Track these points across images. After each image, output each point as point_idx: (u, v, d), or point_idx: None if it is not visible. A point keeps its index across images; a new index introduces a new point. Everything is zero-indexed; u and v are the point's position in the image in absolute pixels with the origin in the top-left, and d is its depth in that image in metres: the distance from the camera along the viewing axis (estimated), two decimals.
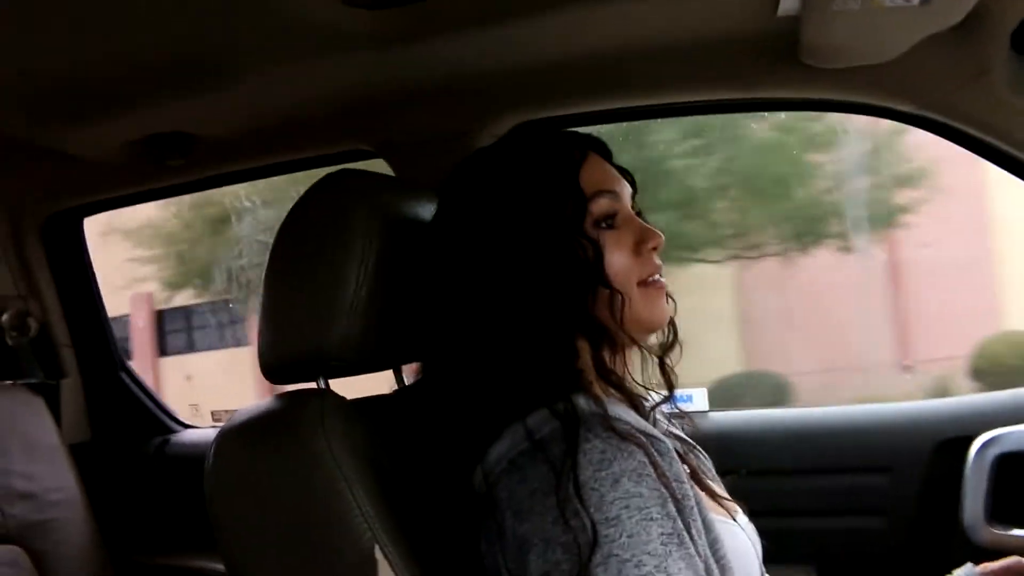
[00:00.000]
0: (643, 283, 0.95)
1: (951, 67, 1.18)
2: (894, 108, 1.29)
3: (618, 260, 0.93)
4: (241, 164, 1.75)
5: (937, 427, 1.59)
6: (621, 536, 0.75)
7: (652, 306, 0.96)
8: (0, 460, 1.79)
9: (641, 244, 0.95)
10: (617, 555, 0.75)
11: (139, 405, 2.23)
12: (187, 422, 2.25)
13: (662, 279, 0.97)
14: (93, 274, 2.20)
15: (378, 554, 0.85)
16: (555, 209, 0.91)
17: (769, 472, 1.65)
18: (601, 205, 0.94)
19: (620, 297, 0.91)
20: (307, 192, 1.03)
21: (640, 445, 0.81)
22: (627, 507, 0.76)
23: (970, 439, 1.44)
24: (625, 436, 0.81)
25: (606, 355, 0.93)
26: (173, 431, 2.20)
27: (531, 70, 1.29)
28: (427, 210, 1.06)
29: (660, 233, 0.97)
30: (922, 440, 1.59)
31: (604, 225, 0.94)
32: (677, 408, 1.12)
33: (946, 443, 1.55)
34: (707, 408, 1.73)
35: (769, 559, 1.09)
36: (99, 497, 1.95)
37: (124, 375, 2.24)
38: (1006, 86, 1.17)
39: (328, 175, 1.04)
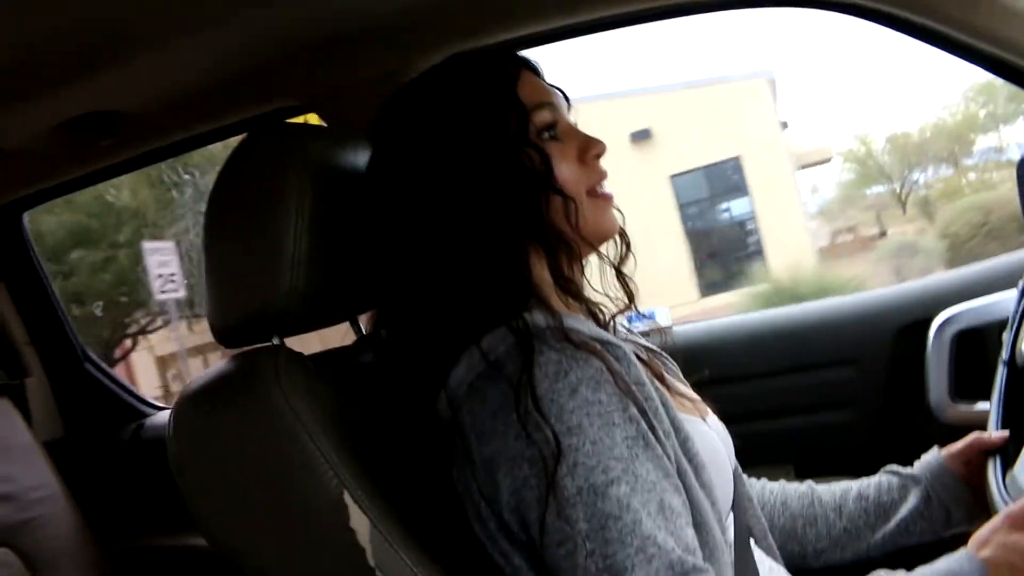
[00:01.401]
0: (592, 193, 0.96)
1: None
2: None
3: (566, 168, 0.94)
4: (173, 136, 1.71)
5: (897, 313, 1.62)
6: (585, 444, 0.76)
7: (602, 215, 0.97)
8: None
9: (585, 152, 0.96)
10: (583, 463, 0.75)
11: (108, 394, 2.21)
12: (159, 404, 2.23)
13: (609, 191, 0.98)
14: (42, 268, 2.16)
15: (347, 498, 0.85)
16: (498, 122, 0.91)
17: (738, 378, 1.67)
18: (542, 116, 0.95)
19: (572, 203, 0.91)
20: (234, 151, 1.01)
21: (595, 352, 0.81)
22: (588, 414, 0.77)
23: (930, 321, 1.47)
24: (580, 345, 0.81)
25: (564, 264, 0.94)
26: (146, 415, 2.19)
27: (448, 2, 1.26)
28: (359, 155, 1.04)
29: (602, 141, 0.97)
30: (884, 327, 1.61)
31: (547, 136, 0.95)
32: (640, 319, 1.12)
33: (907, 327, 1.58)
34: (670, 324, 1.75)
35: (750, 462, 1.11)
36: (81, 490, 1.94)
37: (89, 366, 2.22)
38: None
39: (252, 132, 1.02)
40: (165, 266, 8.22)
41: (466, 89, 0.94)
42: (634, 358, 0.86)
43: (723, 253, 15.43)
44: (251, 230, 0.96)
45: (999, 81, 1.56)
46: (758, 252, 14.81)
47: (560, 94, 1.02)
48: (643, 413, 0.81)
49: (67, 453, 2.03)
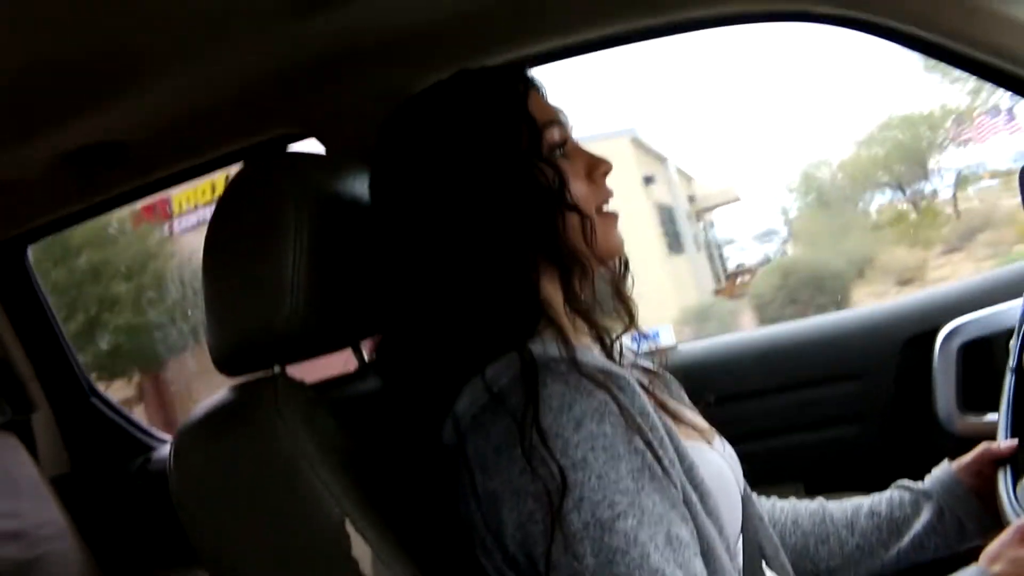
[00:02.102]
0: (600, 211, 0.95)
1: None
2: (812, 11, 1.27)
3: (578, 186, 0.93)
4: (176, 166, 1.71)
5: (902, 325, 1.61)
6: (590, 478, 0.75)
7: (610, 233, 0.96)
8: None
9: (593, 170, 0.96)
10: (589, 497, 0.74)
11: (114, 428, 2.20)
12: (165, 436, 2.22)
13: (615, 210, 0.98)
14: (46, 301, 2.16)
15: (349, 528, 0.84)
16: (511, 138, 0.90)
17: (745, 395, 1.66)
18: (554, 133, 0.94)
19: (588, 220, 0.91)
20: (232, 180, 1.01)
21: (599, 384, 0.80)
22: (593, 448, 0.76)
23: (935, 332, 1.46)
24: (583, 376, 0.80)
25: (576, 283, 0.92)
26: (153, 448, 2.18)
27: (449, 21, 1.27)
28: (359, 180, 1.04)
29: (608, 160, 0.97)
30: (889, 341, 1.60)
31: (559, 154, 0.94)
32: (643, 340, 1.12)
33: (913, 340, 1.57)
34: (674, 343, 1.74)
35: (759, 481, 1.10)
36: (88, 525, 1.93)
37: (95, 400, 2.21)
38: None
39: (250, 160, 1.02)
40: None
41: (477, 104, 0.93)
42: (638, 387, 0.85)
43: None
44: (250, 257, 0.95)
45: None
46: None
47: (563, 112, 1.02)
48: (648, 444, 0.79)
49: (74, 488, 2.02)
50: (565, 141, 0.96)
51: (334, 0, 1.16)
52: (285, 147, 1.62)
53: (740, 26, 1.40)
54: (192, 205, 9.37)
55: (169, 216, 9.58)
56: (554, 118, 0.96)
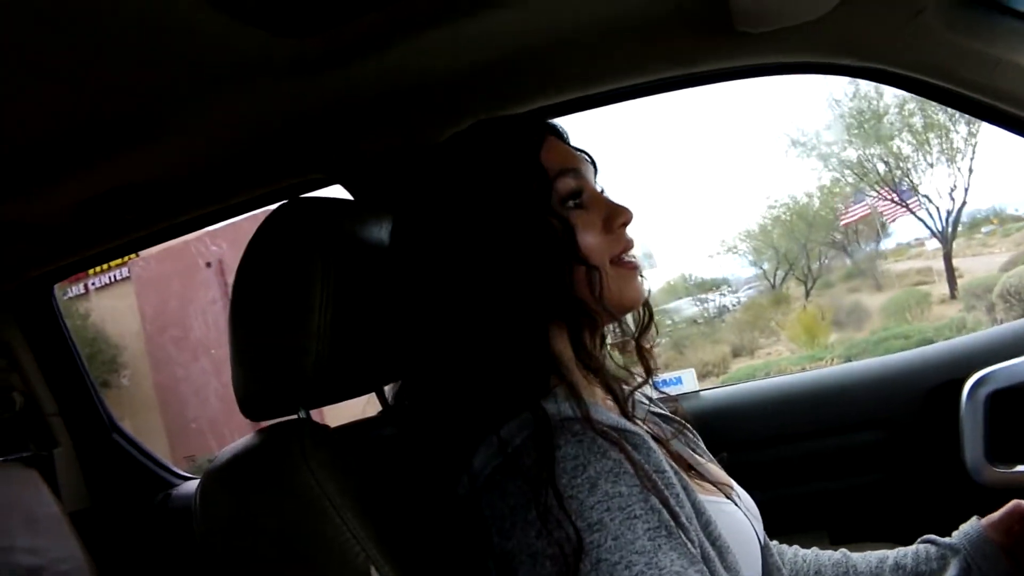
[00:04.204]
0: (616, 261, 0.94)
1: (885, 12, 1.18)
2: (836, 63, 1.29)
3: (590, 237, 0.92)
4: (201, 208, 1.74)
5: (927, 374, 1.60)
6: (607, 540, 0.74)
7: (627, 285, 0.95)
8: (3, 539, 1.77)
9: (611, 221, 0.95)
10: (606, 559, 0.73)
11: (136, 464, 2.21)
12: (185, 473, 2.23)
13: (635, 259, 0.96)
14: (70, 337, 2.19)
15: (374, 573, 0.84)
16: (521, 191, 0.91)
17: (768, 442, 1.65)
18: (566, 183, 0.94)
19: (597, 273, 0.90)
20: (260, 227, 1.02)
21: (613, 442, 0.80)
22: (608, 509, 0.75)
23: (961, 381, 1.44)
24: (597, 435, 0.80)
25: (587, 337, 0.92)
26: (174, 485, 2.18)
27: (471, 74, 1.28)
28: (383, 227, 1.05)
29: (629, 209, 0.96)
30: (915, 389, 1.59)
31: (572, 204, 0.94)
32: (662, 392, 1.11)
33: (938, 388, 1.55)
34: (697, 388, 1.73)
35: (783, 529, 1.09)
36: (108, 561, 1.93)
37: (117, 436, 2.22)
38: (943, 23, 1.16)
39: (279, 207, 1.03)
40: None
41: (489, 155, 0.94)
42: (653, 444, 0.85)
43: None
44: (277, 302, 0.97)
45: None
46: None
47: (588, 159, 1.02)
48: (664, 502, 0.79)
49: (94, 524, 2.03)
50: (581, 190, 0.95)
51: (350, 56, 1.18)
52: (309, 191, 1.63)
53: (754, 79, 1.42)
54: (105, 267, 9.69)
55: (84, 275, 9.88)
56: (569, 166, 0.95)
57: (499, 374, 0.86)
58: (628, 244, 0.96)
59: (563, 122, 1.06)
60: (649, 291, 1.00)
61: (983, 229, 11.03)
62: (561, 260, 0.90)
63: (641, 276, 0.97)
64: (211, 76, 1.15)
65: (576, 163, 0.97)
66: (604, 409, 0.90)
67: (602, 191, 1.00)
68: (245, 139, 1.40)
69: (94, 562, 1.88)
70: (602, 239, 0.94)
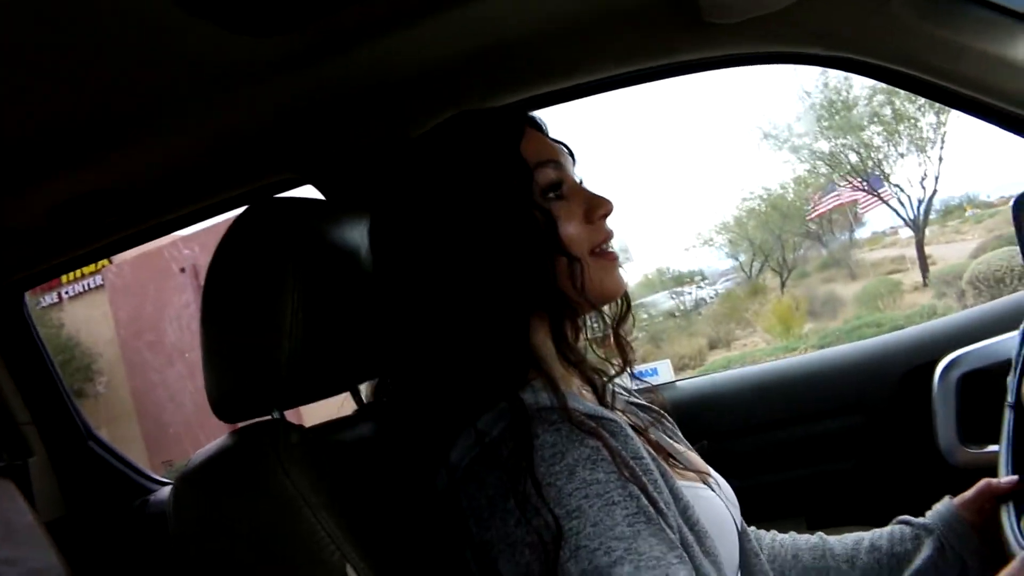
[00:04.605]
0: (597, 252, 0.94)
1: (852, 1, 1.19)
2: (805, 52, 1.30)
3: (571, 228, 0.92)
4: (173, 212, 1.72)
5: (900, 358, 1.61)
6: (586, 526, 0.74)
7: (607, 276, 0.95)
8: None
9: (591, 212, 0.95)
10: (585, 546, 0.73)
11: (112, 471, 2.19)
12: (163, 479, 2.21)
13: (614, 250, 0.96)
14: (43, 345, 2.16)
15: (350, 572, 0.84)
16: (502, 182, 0.90)
17: (744, 431, 1.66)
18: (547, 175, 0.94)
19: (579, 264, 0.90)
20: (230, 227, 1.01)
21: (591, 431, 0.80)
22: (587, 496, 0.75)
23: (934, 364, 1.46)
24: (574, 424, 0.80)
25: (567, 328, 0.92)
26: (151, 491, 2.17)
27: (442, 70, 1.28)
28: (355, 226, 1.05)
29: (609, 200, 0.96)
30: (888, 373, 1.61)
31: (552, 195, 0.94)
32: (641, 381, 1.12)
33: (911, 372, 1.57)
34: (673, 378, 1.74)
35: (761, 516, 1.10)
36: (85, 569, 1.91)
37: (92, 444, 2.20)
38: (910, 11, 1.17)
39: (248, 207, 1.03)
40: None
41: (469, 147, 0.93)
42: (630, 431, 0.85)
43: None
44: (248, 303, 0.96)
45: None
46: None
47: (566, 151, 1.02)
48: (643, 488, 0.79)
49: (70, 532, 2.00)
50: (561, 182, 0.95)
51: (319, 55, 1.17)
52: (282, 192, 1.62)
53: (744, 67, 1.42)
54: (79, 274, 9.73)
55: (58, 284, 9.89)
56: (549, 158, 0.95)
57: (479, 366, 0.86)
58: (608, 235, 0.96)
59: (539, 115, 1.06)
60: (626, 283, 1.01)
61: (968, 212, 11.15)
62: (543, 252, 0.90)
63: (621, 267, 0.97)
64: (181, 80, 1.14)
65: (555, 154, 0.97)
66: (581, 398, 0.90)
67: (581, 182, 1.00)
68: (217, 142, 1.39)
69: (72, 570, 1.87)
70: (583, 230, 0.94)
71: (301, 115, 1.33)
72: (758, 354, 8.63)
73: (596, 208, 0.95)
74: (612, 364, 1.02)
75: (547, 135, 1.01)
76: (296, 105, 1.29)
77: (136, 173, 1.48)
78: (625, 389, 1.12)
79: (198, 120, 1.30)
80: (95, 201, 1.54)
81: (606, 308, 1.02)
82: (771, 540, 1.18)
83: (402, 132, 1.38)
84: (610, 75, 1.43)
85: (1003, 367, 1.20)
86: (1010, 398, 1.12)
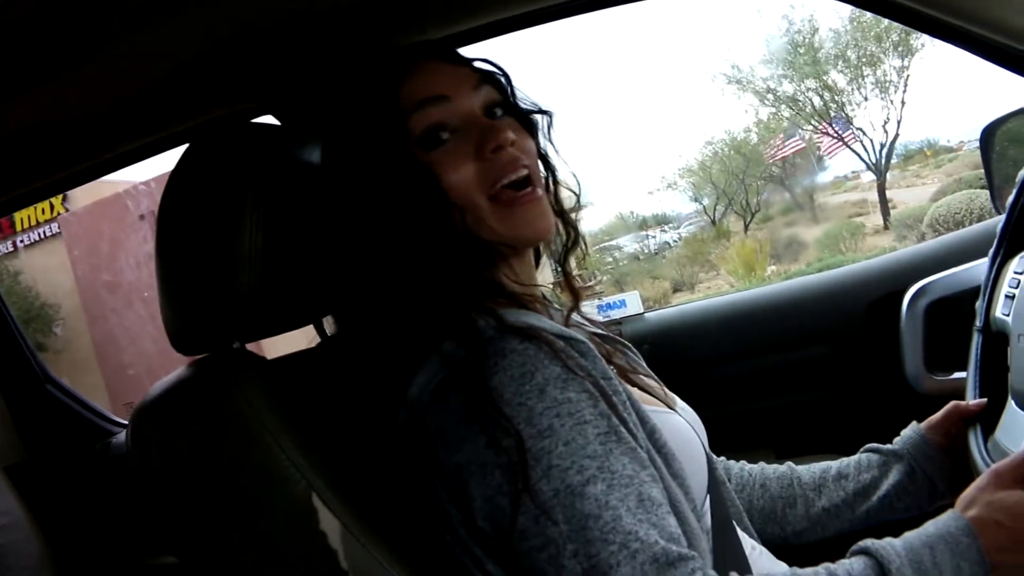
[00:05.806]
0: (496, 195, 0.88)
1: None
2: None
3: (456, 176, 0.87)
4: (132, 143, 1.65)
5: (868, 287, 1.62)
6: (557, 446, 0.73)
7: (516, 220, 0.89)
8: None
9: (481, 148, 0.88)
10: (557, 464, 0.73)
11: (72, 415, 2.15)
12: (124, 421, 2.18)
13: (521, 191, 0.88)
14: None
15: (316, 501, 0.82)
16: (374, 139, 0.88)
17: (713, 361, 1.66)
18: (425, 117, 0.88)
19: (470, 213, 0.87)
20: (183, 154, 0.98)
21: (559, 350, 0.79)
22: (558, 415, 0.74)
23: (901, 293, 1.46)
24: (543, 343, 0.78)
25: (515, 264, 0.91)
26: (112, 433, 2.13)
27: None
28: (312, 153, 1.01)
29: (502, 129, 0.88)
30: (856, 303, 1.61)
31: (436, 139, 0.88)
32: (606, 316, 1.10)
33: (879, 301, 1.58)
34: (641, 310, 1.73)
35: (730, 447, 1.10)
36: (46, 514, 1.88)
37: (51, 387, 2.15)
38: None
39: (202, 133, 0.99)
40: None
41: (346, 99, 0.92)
42: (597, 353, 0.84)
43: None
44: (204, 231, 0.92)
45: None
46: None
47: (477, 74, 0.94)
48: (613, 408, 0.78)
49: (30, 477, 1.97)
50: (444, 123, 0.89)
51: None
52: (243, 122, 1.57)
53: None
54: (34, 222, 9.68)
55: (12, 232, 9.78)
56: (432, 95, 0.89)
57: (431, 297, 0.83)
58: (503, 170, 0.88)
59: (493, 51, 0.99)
60: (575, 222, 0.98)
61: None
62: (429, 207, 0.86)
63: (535, 204, 0.89)
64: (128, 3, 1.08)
65: (445, 88, 0.90)
66: (547, 320, 0.88)
67: (501, 115, 0.93)
68: (172, 69, 1.32)
69: (32, 515, 1.84)
70: (474, 173, 0.88)
71: (261, 36, 1.27)
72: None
73: (486, 142, 0.88)
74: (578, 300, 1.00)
75: (456, 61, 0.94)
76: (257, 24, 1.24)
77: (83, 104, 1.41)
78: (588, 320, 1.10)
79: (150, 45, 1.24)
80: (39, 134, 1.48)
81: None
82: (739, 470, 1.18)
83: (350, 60, 1.34)
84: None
85: (970, 294, 1.21)
86: (978, 322, 1.12)
